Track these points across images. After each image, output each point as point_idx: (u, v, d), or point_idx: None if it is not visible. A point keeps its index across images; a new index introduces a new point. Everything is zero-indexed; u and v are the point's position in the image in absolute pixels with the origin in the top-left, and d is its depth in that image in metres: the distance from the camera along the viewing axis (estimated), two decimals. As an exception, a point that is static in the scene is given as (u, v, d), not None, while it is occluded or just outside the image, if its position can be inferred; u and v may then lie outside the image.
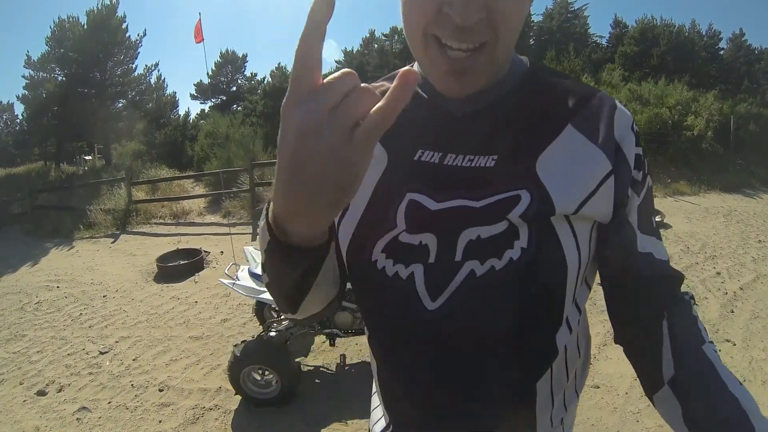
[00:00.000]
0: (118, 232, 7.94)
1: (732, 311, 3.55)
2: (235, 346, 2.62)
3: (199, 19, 7.53)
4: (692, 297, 0.65)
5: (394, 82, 0.33)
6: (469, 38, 0.49)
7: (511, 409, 0.64)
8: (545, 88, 0.60)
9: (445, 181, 0.57)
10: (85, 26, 15.56)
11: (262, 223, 0.48)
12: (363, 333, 2.85)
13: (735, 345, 3.05)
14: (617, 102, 0.60)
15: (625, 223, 0.59)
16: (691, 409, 0.56)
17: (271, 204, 0.44)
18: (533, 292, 0.57)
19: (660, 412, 0.62)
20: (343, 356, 2.98)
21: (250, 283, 2.74)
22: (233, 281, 2.78)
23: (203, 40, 7.35)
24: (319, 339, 3.07)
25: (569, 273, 0.57)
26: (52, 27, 15.65)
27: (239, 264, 3.07)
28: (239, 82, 24.74)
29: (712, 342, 0.61)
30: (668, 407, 0.59)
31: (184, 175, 10.73)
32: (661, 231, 0.84)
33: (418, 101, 0.61)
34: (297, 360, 2.72)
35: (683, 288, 0.65)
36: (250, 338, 2.74)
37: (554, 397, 0.65)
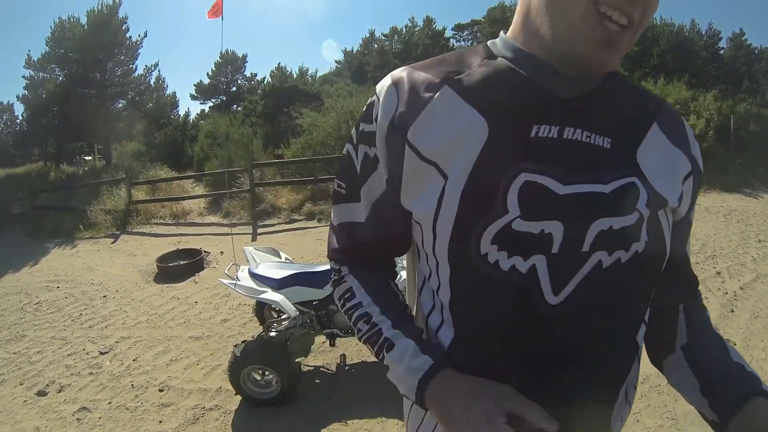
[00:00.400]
0: (118, 233, 7.94)
1: (732, 311, 3.54)
2: (236, 346, 2.62)
3: None
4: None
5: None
6: (632, 9, 0.50)
7: (598, 406, 0.62)
8: (626, 85, 0.62)
9: (569, 158, 0.53)
10: (86, 26, 15.56)
11: (405, 377, 0.60)
12: (363, 333, 2.85)
13: (735, 345, 3.05)
14: None
15: (687, 222, 0.65)
16: (703, 371, 0.61)
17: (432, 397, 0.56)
18: (642, 286, 0.58)
19: (667, 375, 0.67)
20: (343, 356, 2.98)
21: (250, 283, 2.74)
22: (233, 281, 2.78)
23: (222, 16, 7.28)
24: (319, 339, 3.07)
25: (663, 266, 0.60)
26: (53, 27, 15.66)
27: (239, 264, 3.07)
28: (239, 82, 24.75)
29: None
30: (678, 370, 0.64)
31: (184, 175, 10.73)
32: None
33: (518, 80, 0.57)
34: (297, 360, 2.72)
35: None
36: (250, 338, 2.74)
37: (628, 393, 0.65)
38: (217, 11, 7.40)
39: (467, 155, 0.53)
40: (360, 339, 0.66)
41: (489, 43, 0.62)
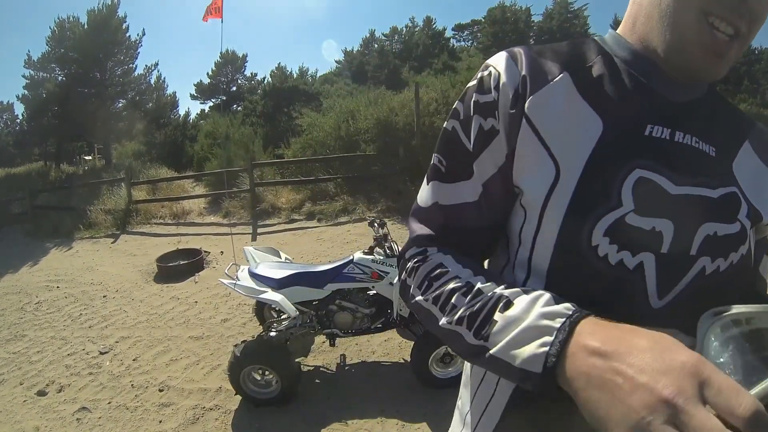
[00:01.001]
0: (118, 232, 7.93)
1: (732, 311, 3.55)
2: (235, 346, 2.62)
3: None
4: None
5: None
6: (740, 20, 0.51)
7: None
8: (723, 97, 0.63)
9: (680, 161, 0.54)
10: (86, 26, 15.55)
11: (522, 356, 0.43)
12: (363, 333, 2.85)
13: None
14: None
15: (764, 246, 0.63)
16: None
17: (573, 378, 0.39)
18: (730, 298, 0.55)
19: None
20: (343, 356, 2.98)
21: (251, 283, 2.74)
22: (233, 281, 2.78)
23: (221, 17, 7.24)
24: (319, 339, 3.07)
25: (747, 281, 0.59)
26: (53, 27, 15.66)
27: (239, 264, 3.07)
28: (239, 82, 24.75)
29: None
30: None
31: (184, 175, 10.73)
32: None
33: (632, 80, 0.58)
34: (297, 360, 2.72)
35: None
36: (250, 338, 2.74)
37: None
38: (216, 12, 7.36)
39: (582, 148, 0.53)
40: (450, 321, 0.52)
41: (597, 38, 0.63)
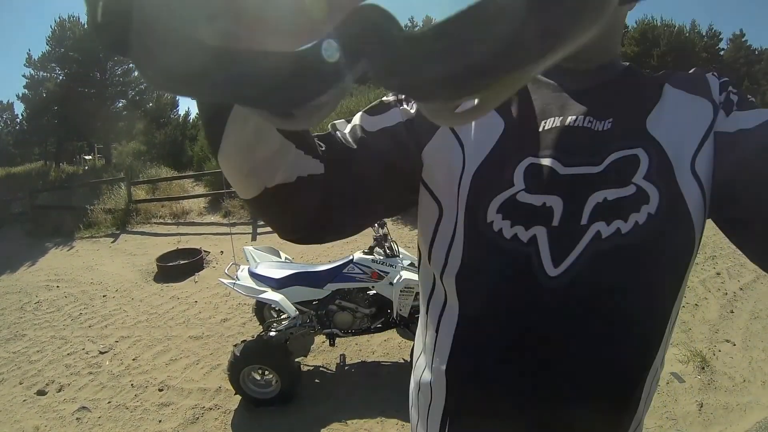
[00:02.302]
0: (118, 232, 7.94)
1: (732, 311, 3.54)
2: (235, 345, 2.62)
3: None
4: None
5: None
6: None
7: (611, 403, 0.60)
8: (644, 75, 0.64)
9: (569, 143, 0.57)
10: (86, 26, 15.57)
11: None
12: (363, 333, 2.85)
13: (735, 345, 3.05)
14: None
15: (739, 140, 0.54)
16: None
17: None
18: (660, 262, 0.56)
19: None
20: (343, 356, 2.98)
21: (250, 283, 2.74)
22: (233, 281, 2.78)
23: None
24: (319, 339, 3.07)
25: (696, 238, 0.56)
26: (53, 26, 15.68)
27: (239, 264, 3.07)
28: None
29: None
30: None
31: (184, 174, 10.72)
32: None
33: (534, 81, 0.63)
34: (297, 360, 2.72)
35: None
36: (250, 338, 2.74)
37: (649, 392, 0.63)
38: None
39: (485, 144, 0.60)
40: None
41: None
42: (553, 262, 0.56)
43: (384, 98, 0.67)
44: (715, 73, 0.61)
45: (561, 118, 0.58)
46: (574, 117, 0.58)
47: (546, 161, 0.57)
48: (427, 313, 0.70)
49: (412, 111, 0.63)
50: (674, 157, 0.55)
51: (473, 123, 0.60)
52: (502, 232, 0.57)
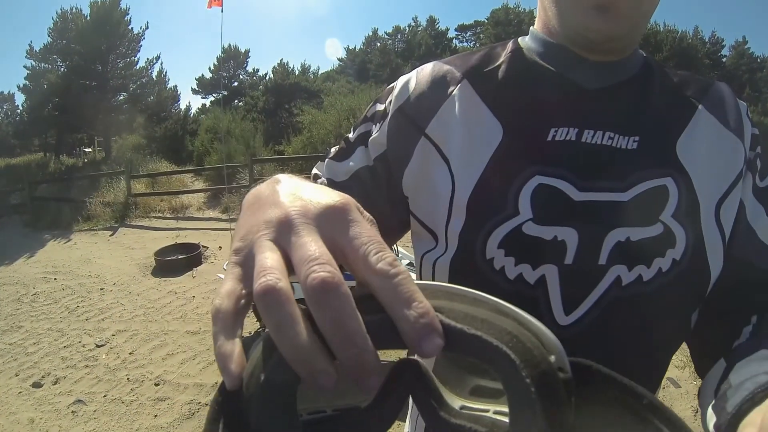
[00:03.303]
0: (116, 225, 7.92)
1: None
2: (232, 342, 2.63)
3: None
4: None
5: None
6: None
7: None
8: (667, 73, 0.55)
9: (587, 163, 0.48)
10: (88, 18, 15.54)
11: None
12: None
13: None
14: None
15: (743, 207, 0.52)
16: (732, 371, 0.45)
17: None
18: (676, 313, 0.51)
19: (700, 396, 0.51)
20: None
21: (249, 279, 2.73)
22: (232, 277, 2.78)
23: (221, 5, 7.17)
24: (316, 337, 3.07)
25: (708, 292, 0.51)
26: (55, 18, 15.64)
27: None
28: (241, 77, 24.72)
29: None
30: (708, 381, 0.49)
31: (183, 169, 10.73)
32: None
33: (542, 74, 0.53)
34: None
35: None
36: (248, 334, 2.74)
37: None
38: (216, 0, 7.29)
39: (479, 158, 0.50)
40: None
41: (521, 38, 0.59)
42: (564, 309, 0.48)
43: (349, 135, 0.62)
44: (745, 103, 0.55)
45: (577, 130, 0.49)
46: (592, 131, 0.49)
47: (558, 182, 0.48)
48: None
49: (384, 140, 0.56)
50: (702, 195, 0.49)
51: (461, 129, 0.52)
52: (504, 271, 0.49)
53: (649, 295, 0.48)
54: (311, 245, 0.24)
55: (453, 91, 0.54)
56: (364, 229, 0.26)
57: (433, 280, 0.54)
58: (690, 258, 0.48)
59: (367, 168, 0.58)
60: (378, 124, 0.58)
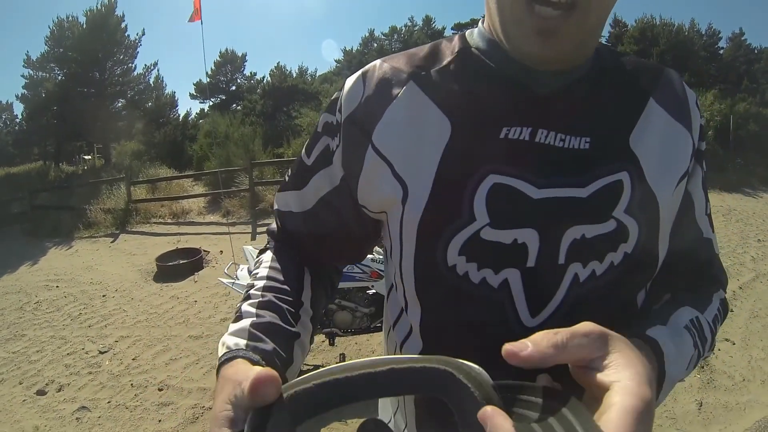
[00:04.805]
0: (117, 232, 7.93)
1: (731, 310, 3.55)
2: (235, 345, 2.62)
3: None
4: (726, 306, 0.60)
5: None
6: None
7: None
8: (618, 63, 0.54)
9: (542, 161, 0.47)
10: (84, 26, 15.55)
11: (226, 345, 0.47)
12: (362, 332, 2.85)
13: (734, 344, 3.06)
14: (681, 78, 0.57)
15: (692, 212, 0.56)
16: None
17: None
18: (626, 296, 0.52)
19: None
20: (343, 356, 2.98)
21: (250, 282, 2.73)
22: (233, 280, 2.78)
23: (200, 19, 7.20)
24: (319, 338, 3.07)
25: (656, 269, 0.53)
26: (51, 27, 15.65)
27: (239, 264, 3.07)
28: (239, 81, 24.72)
29: (706, 318, 0.53)
30: None
31: (183, 174, 10.73)
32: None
33: (491, 76, 0.51)
34: (296, 359, 2.71)
35: None
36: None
37: None
38: (196, 13, 7.32)
39: (429, 159, 0.49)
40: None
41: (467, 32, 0.56)
42: (530, 311, 0.48)
43: (303, 158, 0.61)
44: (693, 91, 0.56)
45: (530, 129, 0.48)
46: (545, 131, 0.48)
47: (514, 181, 0.47)
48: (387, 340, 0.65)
49: (341, 155, 0.55)
50: (657, 186, 0.50)
51: (408, 132, 0.50)
52: (468, 276, 0.48)
53: (603, 287, 0.49)
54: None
55: (398, 93, 0.51)
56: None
57: (402, 285, 0.55)
58: (642, 249, 0.49)
59: (334, 190, 0.57)
60: (335, 138, 0.56)
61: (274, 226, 0.68)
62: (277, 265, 0.60)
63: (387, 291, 0.64)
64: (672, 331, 0.47)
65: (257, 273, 0.59)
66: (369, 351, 3.13)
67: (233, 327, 0.49)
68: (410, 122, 0.50)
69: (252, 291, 0.55)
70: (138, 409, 2.79)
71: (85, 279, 5.55)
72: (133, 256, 6.40)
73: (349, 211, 0.57)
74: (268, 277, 0.57)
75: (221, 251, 6.02)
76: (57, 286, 5.38)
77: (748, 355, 2.94)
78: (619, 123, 0.50)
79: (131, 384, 3.07)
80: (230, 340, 0.47)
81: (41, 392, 3.09)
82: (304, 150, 0.61)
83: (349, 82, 0.55)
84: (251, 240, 6.62)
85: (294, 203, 0.62)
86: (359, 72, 0.56)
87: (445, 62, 0.53)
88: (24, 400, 3.02)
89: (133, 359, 3.42)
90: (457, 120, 0.49)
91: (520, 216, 0.47)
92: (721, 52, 20.34)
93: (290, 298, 0.55)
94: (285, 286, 0.56)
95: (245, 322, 0.49)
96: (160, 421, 2.66)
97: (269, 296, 0.54)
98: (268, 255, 0.63)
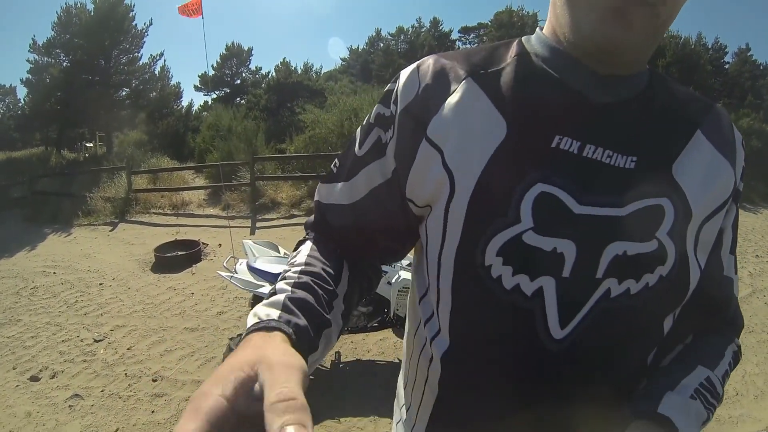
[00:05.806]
0: (116, 221, 7.92)
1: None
2: (231, 339, 2.63)
3: None
4: (738, 356, 0.64)
5: None
6: None
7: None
8: (671, 90, 0.55)
9: (587, 177, 0.48)
10: (92, 13, 15.53)
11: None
12: (359, 331, 2.85)
13: (729, 358, 3.06)
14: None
15: (721, 238, 0.57)
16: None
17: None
18: (654, 318, 0.53)
19: None
20: (338, 354, 2.98)
21: (248, 276, 2.73)
22: (231, 274, 2.78)
23: (201, 15, 7.20)
24: (315, 336, 3.07)
25: (688, 296, 0.53)
26: (59, 12, 15.62)
27: (237, 257, 3.07)
28: (243, 75, 24.70)
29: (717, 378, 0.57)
30: None
31: (184, 166, 10.73)
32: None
33: (548, 81, 0.51)
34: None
35: None
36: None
37: None
38: (196, 10, 7.27)
39: (480, 155, 0.49)
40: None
41: (524, 38, 0.56)
42: (560, 322, 0.48)
43: (355, 149, 0.60)
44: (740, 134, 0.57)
45: (579, 143, 0.48)
46: (593, 146, 0.48)
47: (559, 192, 0.47)
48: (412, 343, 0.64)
49: (394, 148, 0.55)
50: (696, 214, 0.50)
51: (462, 126, 0.50)
52: (501, 280, 0.48)
53: (634, 306, 0.49)
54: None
55: (456, 88, 0.52)
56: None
57: (438, 281, 0.54)
58: (677, 274, 0.50)
59: (385, 183, 0.57)
60: (389, 130, 0.56)
61: (312, 218, 0.67)
62: (317, 254, 0.59)
63: (420, 295, 0.62)
64: (683, 399, 0.51)
65: (295, 260, 0.58)
66: (365, 350, 3.13)
67: (267, 301, 0.48)
68: (465, 116, 0.50)
69: (289, 272, 0.54)
70: (131, 399, 2.79)
71: (82, 266, 5.55)
72: (132, 245, 6.40)
73: (396, 205, 0.57)
74: (306, 263, 0.56)
75: (220, 244, 6.02)
76: (54, 273, 5.37)
77: (741, 369, 2.94)
78: (665, 148, 0.51)
79: (125, 374, 3.07)
80: (262, 311, 0.46)
81: (34, 378, 3.09)
82: (356, 142, 0.61)
83: (404, 74, 0.56)
84: (251, 234, 6.62)
85: (341, 195, 0.61)
86: (414, 65, 0.56)
87: (503, 64, 0.53)
88: (17, 386, 3.02)
89: (128, 349, 3.42)
90: (512, 121, 0.49)
91: (561, 226, 0.47)
92: (727, 66, 20.37)
93: (327, 287, 0.54)
94: (323, 274, 0.55)
95: (280, 296, 0.48)
96: (153, 411, 2.66)
97: (306, 278, 0.53)
98: (308, 245, 0.62)
